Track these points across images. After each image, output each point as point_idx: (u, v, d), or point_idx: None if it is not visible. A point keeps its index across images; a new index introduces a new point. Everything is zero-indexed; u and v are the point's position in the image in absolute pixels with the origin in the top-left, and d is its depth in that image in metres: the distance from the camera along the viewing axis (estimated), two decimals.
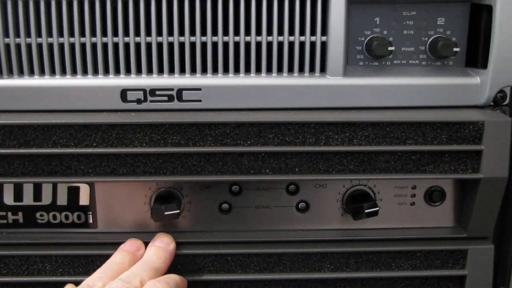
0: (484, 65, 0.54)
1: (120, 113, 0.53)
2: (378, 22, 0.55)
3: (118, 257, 0.52)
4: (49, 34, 0.52)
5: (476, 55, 0.56)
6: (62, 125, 0.50)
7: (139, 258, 0.52)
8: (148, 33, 0.53)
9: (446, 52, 0.54)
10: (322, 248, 0.55)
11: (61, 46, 0.53)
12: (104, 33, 0.52)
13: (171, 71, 0.54)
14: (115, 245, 0.55)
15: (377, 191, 0.57)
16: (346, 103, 0.54)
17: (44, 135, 0.51)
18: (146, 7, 0.52)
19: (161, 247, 0.53)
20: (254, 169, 0.52)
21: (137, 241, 0.54)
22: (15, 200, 0.56)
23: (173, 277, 0.50)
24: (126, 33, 0.52)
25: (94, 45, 0.53)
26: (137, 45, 0.53)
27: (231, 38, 0.53)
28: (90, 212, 0.56)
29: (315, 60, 0.54)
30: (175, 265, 0.54)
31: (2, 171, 0.51)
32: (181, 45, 0.53)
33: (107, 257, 0.54)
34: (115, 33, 0.53)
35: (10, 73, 0.53)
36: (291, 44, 0.54)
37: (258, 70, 0.54)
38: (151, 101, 0.53)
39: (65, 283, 0.54)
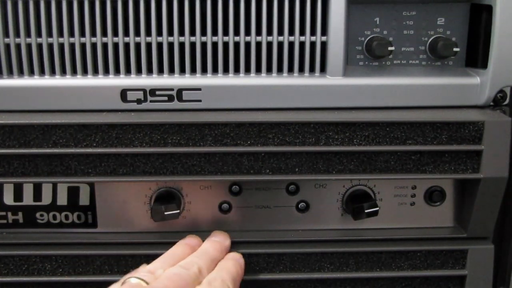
0: (484, 65, 0.54)
1: (120, 113, 0.53)
2: (378, 22, 0.55)
3: (180, 249, 0.52)
4: (49, 34, 0.52)
5: (476, 55, 0.56)
6: (62, 125, 0.50)
7: None
8: (148, 33, 0.53)
9: (446, 52, 0.54)
10: (322, 248, 0.55)
11: (61, 46, 0.53)
12: (104, 33, 0.52)
13: (171, 71, 0.54)
14: (115, 245, 0.55)
15: (377, 191, 0.57)
16: (346, 103, 0.54)
17: (44, 135, 0.51)
18: (146, 7, 0.52)
19: (217, 241, 0.54)
20: (254, 169, 0.52)
21: (196, 237, 0.54)
22: (15, 200, 0.56)
23: (230, 268, 0.50)
24: (126, 33, 0.52)
25: (94, 45, 0.53)
26: (137, 45, 0.53)
27: (231, 38, 0.53)
28: (90, 212, 0.57)
29: (315, 60, 0.54)
30: None
31: (2, 171, 0.51)
32: (181, 45, 0.53)
33: (107, 257, 0.54)
34: (115, 33, 0.52)
35: (10, 73, 0.53)
36: (291, 44, 0.54)
37: (258, 70, 0.54)
38: (151, 101, 0.53)
39: (65, 283, 0.55)
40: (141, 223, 0.57)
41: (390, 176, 0.53)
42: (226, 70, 0.54)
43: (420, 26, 0.56)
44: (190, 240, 0.54)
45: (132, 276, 0.45)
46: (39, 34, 0.52)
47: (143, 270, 0.47)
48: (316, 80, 0.54)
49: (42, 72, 0.53)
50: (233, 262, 0.52)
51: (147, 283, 0.44)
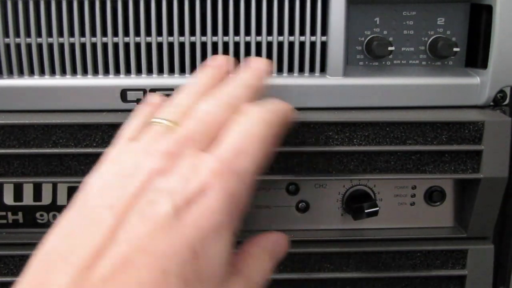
0: (484, 65, 0.54)
1: (120, 113, 0.53)
2: (378, 22, 0.55)
3: (207, 74, 0.41)
4: (49, 34, 0.52)
5: (476, 55, 0.56)
6: (62, 125, 0.50)
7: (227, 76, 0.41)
8: (148, 33, 0.53)
9: (446, 52, 0.54)
10: (322, 248, 0.55)
11: (61, 46, 0.53)
12: (104, 33, 0.52)
13: (171, 71, 0.54)
14: None
15: (377, 191, 0.57)
16: (346, 103, 0.54)
17: (44, 135, 0.51)
18: (146, 7, 0.52)
19: (256, 68, 0.42)
20: None
21: (226, 57, 0.43)
22: (15, 200, 0.56)
23: (277, 106, 0.39)
24: (126, 33, 0.52)
25: (94, 45, 0.53)
26: (137, 45, 0.53)
27: (231, 38, 0.53)
28: None
29: (315, 60, 0.54)
30: None
31: (2, 171, 0.51)
32: (181, 45, 0.53)
33: None
34: (115, 33, 0.52)
35: (10, 73, 0.53)
36: (291, 44, 0.54)
37: None
38: None
39: None
40: None
41: (390, 176, 0.53)
42: None
43: (420, 26, 0.56)
44: (219, 60, 0.42)
45: (156, 117, 0.36)
46: (39, 34, 0.52)
47: (168, 106, 0.37)
48: (316, 80, 0.54)
49: (42, 72, 0.53)
50: (281, 104, 0.40)
51: (174, 123, 0.35)
